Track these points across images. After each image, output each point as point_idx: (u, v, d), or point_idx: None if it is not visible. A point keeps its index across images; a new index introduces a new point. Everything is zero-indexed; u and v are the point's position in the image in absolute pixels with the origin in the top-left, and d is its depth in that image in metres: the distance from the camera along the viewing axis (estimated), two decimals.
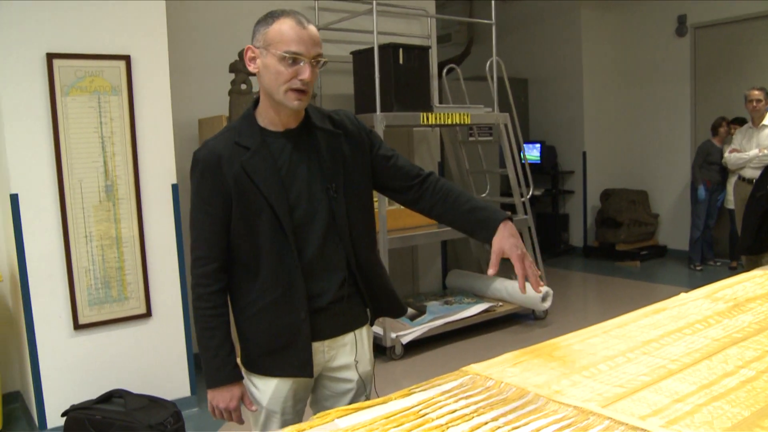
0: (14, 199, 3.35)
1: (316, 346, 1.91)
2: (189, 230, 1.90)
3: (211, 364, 1.86)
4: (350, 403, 2.00)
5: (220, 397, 1.87)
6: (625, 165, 8.35)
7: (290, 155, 1.85)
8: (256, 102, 1.91)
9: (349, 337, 1.97)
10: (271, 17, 1.79)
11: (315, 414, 2.07)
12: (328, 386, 2.02)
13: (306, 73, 1.75)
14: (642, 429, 1.46)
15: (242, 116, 1.90)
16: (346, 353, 1.97)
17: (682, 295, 2.53)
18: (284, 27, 1.75)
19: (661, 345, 1.99)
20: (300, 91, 1.77)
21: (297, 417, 1.99)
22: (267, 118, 1.86)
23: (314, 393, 2.05)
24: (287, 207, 1.81)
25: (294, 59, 1.74)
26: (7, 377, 3.93)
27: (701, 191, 6.98)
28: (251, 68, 1.84)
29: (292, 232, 1.82)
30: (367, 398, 2.05)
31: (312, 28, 1.77)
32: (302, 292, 1.84)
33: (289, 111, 1.82)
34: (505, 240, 1.86)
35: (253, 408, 1.91)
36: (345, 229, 1.89)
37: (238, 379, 1.88)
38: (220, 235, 1.83)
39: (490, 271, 1.86)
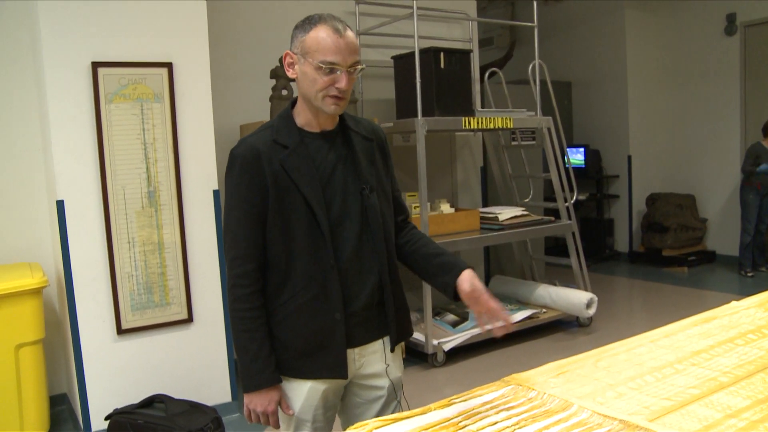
0: (60, 205, 3.40)
1: (347, 352, 1.89)
2: (224, 231, 1.88)
3: (251, 367, 1.83)
4: (381, 411, 2.01)
5: (258, 401, 1.85)
6: (672, 168, 8.17)
7: (326, 155, 1.87)
8: (294, 102, 1.92)
9: (378, 344, 1.96)
10: (308, 23, 1.79)
11: (343, 422, 2.07)
12: (358, 393, 2.01)
13: (342, 82, 1.77)
14: None
15: (279, 116, 1.91)
16: (376, 360, 1.96)
17: (734, 303, 2.44)
18: (321, 35, 1.75)
19: (711, 356, 1.92)
20: (337, 98, 1.79)
21: (327, 425, 1.98)
22: (304, 119, 1.88)
23: (343, 400, 2.03)
24: (324, 205, 1.82)
25: (330, 69, 1.75)
26: (54, 380, 3.99)
27: (752, 195, 6.80)
28: (290, 73, 1.85)
29: (329, 230, 1.82)
30: (399, 405, 2.04)
31: (349, 36, 1.77)
32: (338, 293, 1.84)
33: (327, 114, 1.84)
34: (474, 279, 1.88)
35: (291, 411, 1.89)
36: (379, 230, 1.90)
37: (277, 382, 1.85)
38: (257, 233, 1.82)
39: (483, 328, 1.90)
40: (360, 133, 1.94)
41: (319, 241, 1.82)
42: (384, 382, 1.98)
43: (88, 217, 3.46)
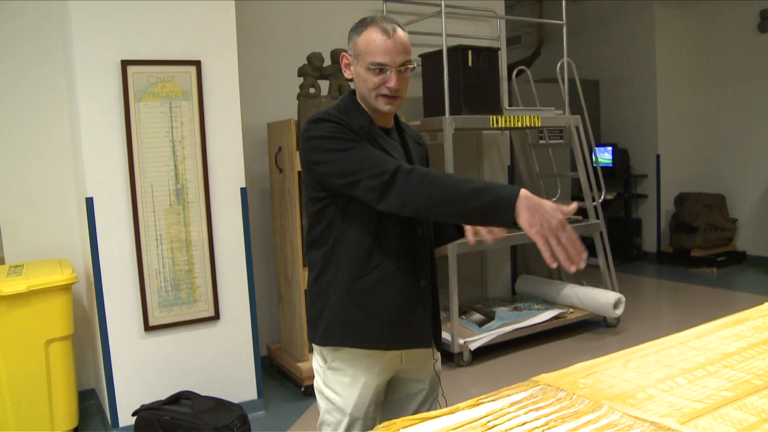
0: (89, 202, 3.43)
1: (395, 354, 1.93)
2: (352, 170, 1.74)
3: (492, 190, 1.59)
4: (421, 404, 2.03)
5: (544, 205, 1.53)
6: (701, 168, 8.04)
7: (391, 145, 1.92)
8: (353, 92, 1.95)
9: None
10: (361, 26, 1.85)
11: (381, 417, 2.08)
12: (400, 389, 2.04)
13: (392, 81, 1.81)
14: None
15: (343, 101, 1.93)
16: (417, 355, 1.99)
17: (767, 304, 2.40)
18: (371, 37, 1.80)
19: (744, 358, 1.87)
20: (390, 97, 1.84)
21: (374, 422, 1.99)
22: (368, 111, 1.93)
23: (385, 395, 2.05)
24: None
25: (380, 69, 1.81)
26: (83, 375, 4.02)
27: None
28: (346, 74, 1.91)
29: None
30: (436, 401, 2.07)
31: (399, 36, 1.82)
32: (424, 260, 1.91)
33: (382, 114, 1.89)
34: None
35: (573, 206, 1.60)
36: (429, 231, 1.98)
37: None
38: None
39: (469, 237, 1.97)
40: (413, 138, 2.03)
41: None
42: (426, 375, 2.03)
43: (116, 214, 3.49)
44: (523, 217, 1.52)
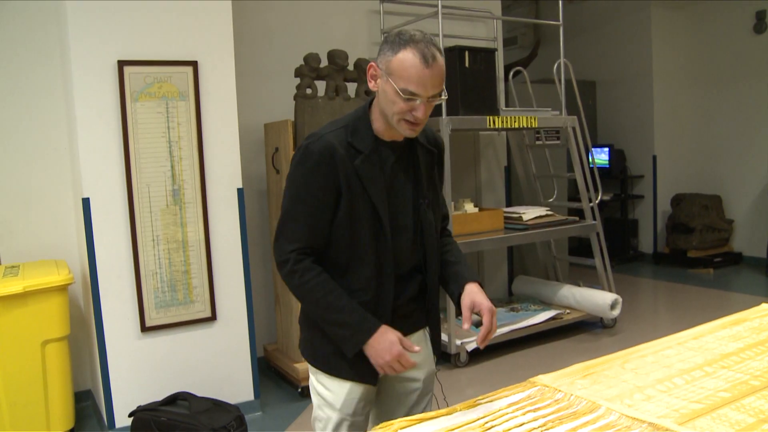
0: (86, 203, 3.42)
1: None
2: (283, 219, 1.85)
3: (351, 321, 1.80)
4: (416, 403, 2.03)
5: (381, 348, 1.79)
6: (698, 169, 8.05)
7: (393, 165, 1.88)
8: (370, 103, 1.90)
9: (415, 337, 2.00)
10: (400, 43, 1.73)
11: (375, 415, 2.08)
12: (394, 386, 2.03)
13: (420, 111, 1.75)
14: None
15: (356, 116, 1.88)
16: (414, 357, 1.95)
17: (764, 305, 2.39)
18: (408, 62, 1.71)
19: (741, 359, 1.88)
20: (413, 123, 1.78)
21: (366, 419, 2.00)
22: (378, 126, 1.87)
23: (378, 394, 2.05)
24: (389, 215, 1.85)
25: (411, 97, 1.73)
26: (79, 376, 4.01)
27: None
28: (371, 85, 1.83)
29: (391, 239, 1.86)
30: (430, 400, 2.07)
31: (438, 65, 1.73)
32: (390, 299, 1.88)
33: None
34: (476, 294, 1.89)
35: (417, 348, 1.84)
36: (433, 243, 1.95)
37: (380, 323, 1.82)
38: (322, 227, 1.82)
39: (465, 326, 1.85)
40: (425, 146, 1.96)
41: (381, 249, 1.85)
42: (420, 374, 2.03)
43: (113, 215, 3.48)
44: (368, 353, 1.80)
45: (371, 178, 1.82)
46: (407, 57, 1.70)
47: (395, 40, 1.74)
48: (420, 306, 1.99)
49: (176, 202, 3.60)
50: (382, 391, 2.04)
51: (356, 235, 1.83)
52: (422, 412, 1.94)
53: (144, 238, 3.53)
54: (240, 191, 3.80)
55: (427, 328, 2.07)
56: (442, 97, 1.79)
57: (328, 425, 1.95)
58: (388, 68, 1.74)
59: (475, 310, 1.86)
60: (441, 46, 4.61)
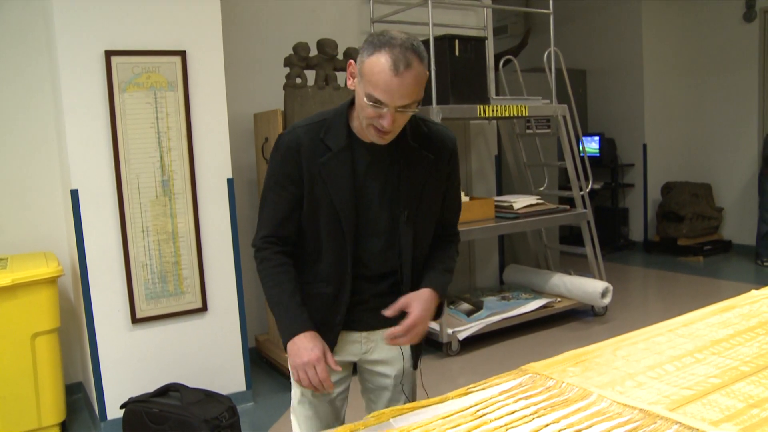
0: (74, 194, 3.40)
1: (354, 336, 1.94)
2: (259, 208, 1.91)
3: (284, 318, 1.82)
4: (391, 398, 2.03)
5: (300, 348, 1.77)
6: (688, 157, 8.08)
7: (367, 167, 1.81)
8: (353, 101, 1.81)
9: (387, 332, 1.96)
10: (375, 45, 1.62)
11: (366, 402, 2.12)
12: (368, 379, 2.06)
13: (386, 121, 1.65)
14: None
15: (337, 111, 1.83)
16: (383, 349, 1.98)
17: (753, 291, 2.41)
18: (378, 67, 1.60)
19: (731, 345, 1.89)
20: (381, 131, 1.69)
21: (342, 403, 2.03)
22: (358, 125, 1.80)
23: (361, 384, 2.09)
24: (353, 217, 1.80)
25: (376, 104, 1.64)
26: (70, 369, 4.00)
27: None
28: (349, 83, 1.74)
29: (353, 241, 1.82)
30: (406, 397, 2.05)
31: (410, 74, 1.60)
32: (346, 297, 1.86)
33: None
34: (419, 299, 1.85)
35: (338, 368, 1.82)
36: (409, 250, 1.88)
37: (313, 328, 1.82)
38: (289, 215, 1.83)
39: (387, 312, 1.84)
40: (417, 151, 1.83)
41: (340, 249, 1.83)
42: (391, 371, 2.01)
43: (102, 207, 3.46)
44: (289, 352, 1.81)
45: (336, 177, 1.77)
46: (379, 61, 1.60)
47: (374, 41, 1.63)
48: (393, 300, 1.91)
49: (166, 193, 3.59)
50: (361, 382, 2.08)
51: (318, 229, 1.82)
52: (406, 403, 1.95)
53: (134, 229, 3.52)
54: (230, 181, 3.78)
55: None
56: (414, 108, 1.68)
57: (293, 400, 2.00)
58: (361, 70, 1.65)
59: (408, 310, 1.82)
60: (431, 34, 4.60)
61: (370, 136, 1.73)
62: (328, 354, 1.79)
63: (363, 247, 1.84)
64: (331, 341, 1.88)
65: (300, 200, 1.81)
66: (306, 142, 1.78)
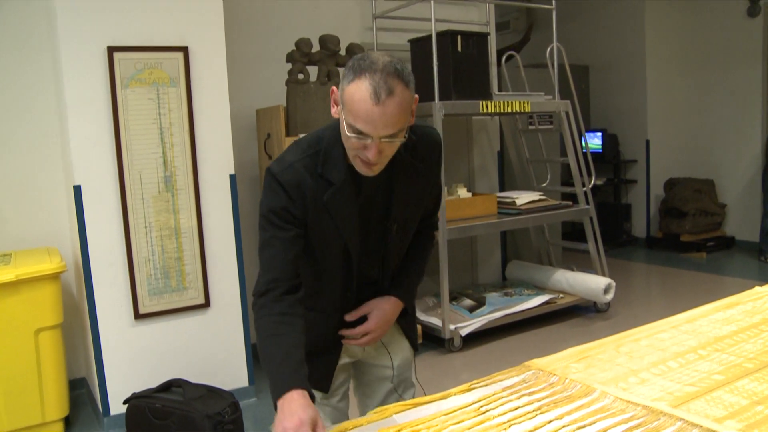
0: (77, 190, 3.41)
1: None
2: (260, 253, 1.72)
3: (277, 373, 1.56)
4: (390, 391, 2.03)
5: (287, 412, 1.46)
6: (691, 153, 8.07)
7: (368, 190, 1.74)
8: None
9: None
10: (355, 71, 1.51)
11: (358, 396, 2.10)
12: (367, 371, 2.04)
13: (371, 152, 1.54)
14: None
15: (329, 140, 1.69)
16: (380, 346, 1.99)
17: (757, 288, 2.40)
18: (357, 95, 1.49)
19: (735, 342, 1.89)
20: (368, 163, 1.59)
21: (345, 396, 2.02)
22: None
23: (356, 379, 2.07)
24: (359, 241, 1.77)
25: (358, 136, 1.53)
26: (74, 364, 4.01)
27: None
28: (332, 112, 1.63)
29: (357, 262, 1.80)
30: (405, 387, 2.06)
31: (393, 103, 1.48)
32: (341, 314, 1.86)
33: None
34: (380, 308, 1.86)
35: None
36: (392, 258, 1.88)
37: (307, 387, 1.53)
38: (299, 257, 1.71)
39: (348, 317, 1.85)
40: (409, 163, 1.75)
41: (348, 276, 1.81)
42: (389, 362, 2.01)
43: (105, 202, 3.46)
44: (278, 410, 1.52)
45: (341, 210, 1.69)
46: (359, 89, 1.48)
47: (354, 66, 1.52)
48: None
49: (168, 188, 3.59)
50: (357, 376, 2.06)
51: (323, 261, 1.78)
52: (399, 400, 1.94)
53: (136, 225, 3.52)
54: (232, 177, 3.78)
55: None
56: (401, 137, 1.56)
57: None
58: (343, 98, 1.54)
59: (368, 317, 1.85)
60: (434, 30, 4.59)
61: (357, 168, 1.63)
62: (319, 423, 1.47)
63: (362, 267, 1.83)
64: (324, 375, 1.88)
65: (302, 241, 1.71)
66: (307, 179, 1.66)
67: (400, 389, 2.04)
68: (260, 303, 1.65)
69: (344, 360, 1.96)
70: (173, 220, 3.62)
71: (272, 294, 1.64)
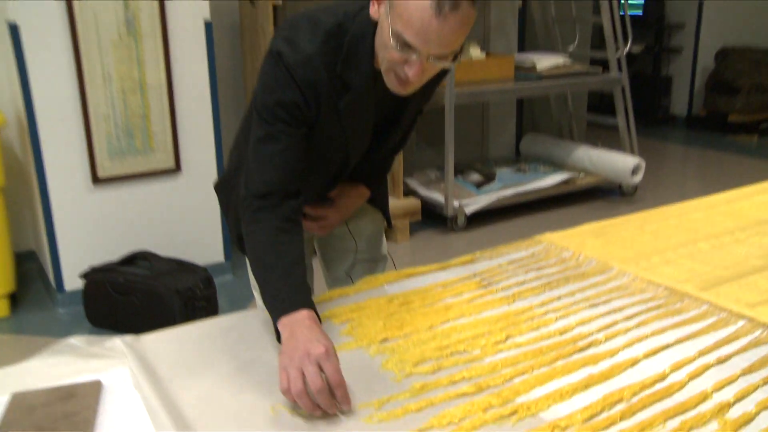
0: (14, 30, 3.25)
1: None
2: (250, 151, 1.63)
3: (281, 285, 1.48)
4: (354, 263, 2.05)
5: (306, 337, 1.33)
6: (752, 17, 7.79)
7: (386, 101, 1.68)
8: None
9: None
10: None
11: (324, 264, 2.14)
12: (328, 242, 2.08)
13: (413, 71, 1.44)
14: (750, 317, 1.39)
15: (359, 36, 1.57)
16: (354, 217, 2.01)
17: None
18: (417, 4, 1.35)
19: None
20: (403, 81, 1.49)
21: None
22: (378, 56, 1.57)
23: (321, 249, 2.12)
24: (362, 150, 1.77)
25: (405, 47, 1.41)
26: (20, 235, 3.98)
27: None
28: (371, 11, 1.51)
29: (352, 166, 1.81)
30: (379, 263, 2.09)
31: (456, 18, 1.35)
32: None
33: None
34: (348, 194, 1.90)
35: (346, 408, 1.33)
36: (384, 161, 1.95)
37: (313, 307, 1.44)
38: (299, 161, 1.62)
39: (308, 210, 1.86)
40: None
41: (335, 178, 1.83)
42: (357, 234, 2.05)
43: (51, 46, 3.31)
44: (282, 336, 1.41)
45: (355, 118, 1.65)
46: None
47: None
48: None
49: (130, 33, 3.49)
50: (320, 248, 2.11)
51: (315, 166, 1.73)
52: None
53: (92, 74, 3.43)
54: (208, 25, 3.69)
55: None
56: (452, 61, 1.47)
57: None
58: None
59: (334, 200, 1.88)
60: None
61: (387, 83, 1.53)
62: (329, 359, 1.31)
63: (354, 168, 1.84)
64: None
65: (306, 143, 1.63)
66: (323, 78, 1.56)
67: (369, 266, 2.06)
68: (257, 205, 1.57)
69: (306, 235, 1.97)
70: (137, 71, 3.54)
71: (274, 197, 1.57)
